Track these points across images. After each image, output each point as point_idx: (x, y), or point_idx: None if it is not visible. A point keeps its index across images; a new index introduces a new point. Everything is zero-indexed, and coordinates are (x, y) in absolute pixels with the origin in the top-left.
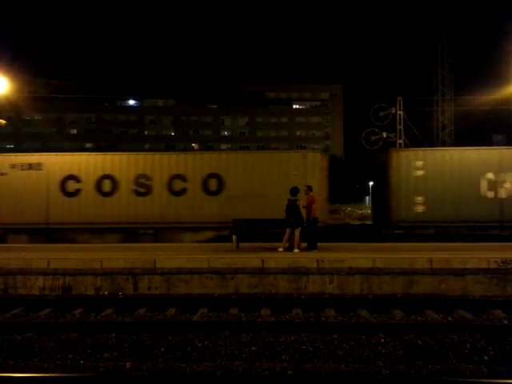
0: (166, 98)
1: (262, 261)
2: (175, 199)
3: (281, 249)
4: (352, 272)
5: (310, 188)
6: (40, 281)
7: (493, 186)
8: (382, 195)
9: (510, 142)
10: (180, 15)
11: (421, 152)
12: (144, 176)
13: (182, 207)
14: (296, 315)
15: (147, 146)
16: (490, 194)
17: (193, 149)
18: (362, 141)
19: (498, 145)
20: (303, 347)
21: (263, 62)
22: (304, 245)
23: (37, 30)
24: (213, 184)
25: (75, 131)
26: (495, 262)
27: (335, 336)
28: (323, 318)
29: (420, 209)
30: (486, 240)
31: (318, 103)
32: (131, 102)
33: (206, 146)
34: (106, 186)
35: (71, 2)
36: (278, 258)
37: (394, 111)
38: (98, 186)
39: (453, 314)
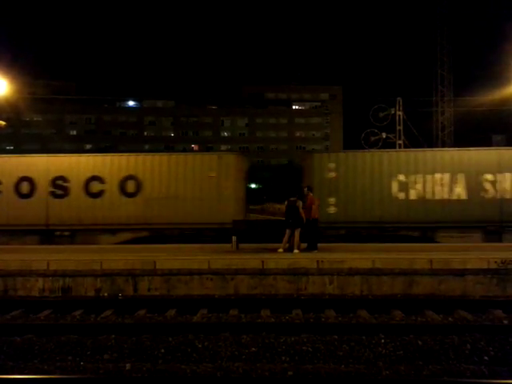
0: (166, 99)
1: (262, 262)
2: (93, 201)
3: (281, 249)
4: (352, 273)
5: (310, 189)
6: (40, 282)
7: (403, 187)
8: None
9: (509, 143)
10: (179, 16)
11: (334, 155)
12: (61, 178)
13: (99, 209)
14: (296, 316)
15: (147, 147)
16: (401, 196)
17: (192, 150)
18: (361, 141)
19: (498, 145)
20: (303, 348)
21: (263, 63)
22: (304, 245)
23: (37, 31)
24: (130, 186)
25: (75, 132)
26: (495, 262)
27: (335, 337)
28: (323, 319)
29: (332, 210)
30: (397, 241)
31: (318, 104)
32: (131, 103)
33: (206, 147)
34: (25, 187)
35: (71, 3)
36: (278, 258)
37: (393, 112)
38: (17, 188)
39: (453, 315)
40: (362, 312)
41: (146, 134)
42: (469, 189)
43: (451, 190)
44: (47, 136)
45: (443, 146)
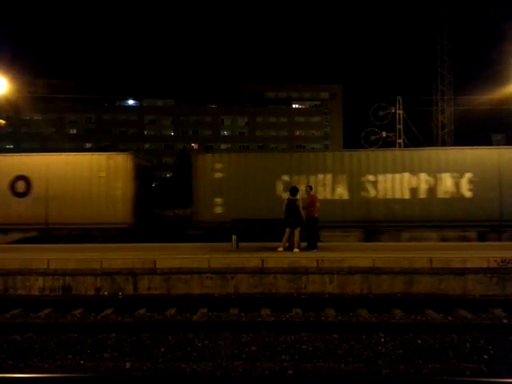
0: (166, 98)
1: (262, 260)
2: None
3: (280, 248)
4: (352, 271)
5: (310, 188)
6: (40, 281)
7: (288, 187)
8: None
9: (509, 141)
10: (179, 15)
11: (220, 155)
12: None
13: None
14: (296, 315)
15: (147, 146)
16: (286, 196)
17: (192, 149)
18: (361, 140)
19: (498, 144)
20: (303, 347)
21: (262, 62)
22: (304, 244)
23: (36, 30)
24: (21, 186)
25: (75, 131)
26: (495, 261)
27: (335, 335)
28: (323, 318)
29: (219, 210)
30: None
31: (318, 103)
32: (131, 102)
33: (206, 146)
34: None
35: (70, 2)
36: (278, 257)
37: (393, 111)
38: None
39: (453, 314)
40: (361, 311)
41: (146, 132)
42: (350, 189)
43: (333, 190)
44: (47, 135)
45: (443, 145)
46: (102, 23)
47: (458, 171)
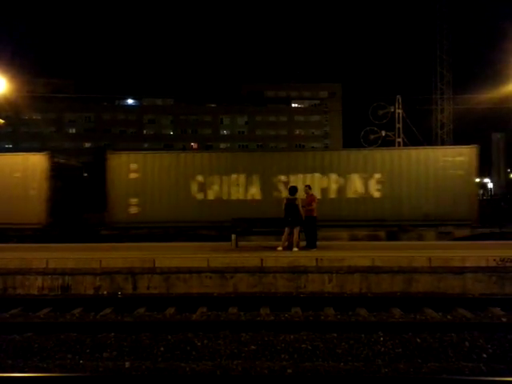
0: (165, 98)
1: (262, 260)
2: None
3: (280, 248)
4: (351, 271)
5: (309, 187)
6: (39, 280)
7: (202, 187)
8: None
9: (508, 140)
10: (178, 14)
11: (135, 155)
12: None
13: None
14: (295, 314)
15: (146, 146)
16: (200, 196)
17: (192, 148)
18: (361, 139)
19: (497, 143)
20: (302, 346)
21: (262, 61)
22: (303, 243)
23: (36, 29)
24: None
25: (74, 130)
26: (494, 260)
27: (334, 335)
28: (322, 317)
29: (134, 210)
30: (196, 240)
31: (317, 102)
32: (130, 102)
33: (205, 146)
34: None
35: (70, 1)
36: (277, 257)
37: (392, 110)
38: None
39: (452, 313)
40: (361, 310)
41: (145, 132)
42: (263, 189)
43: (247, 190)
44: (46, 134)
45: (442, 144)
46: (102, 22)
47: (367, 172)
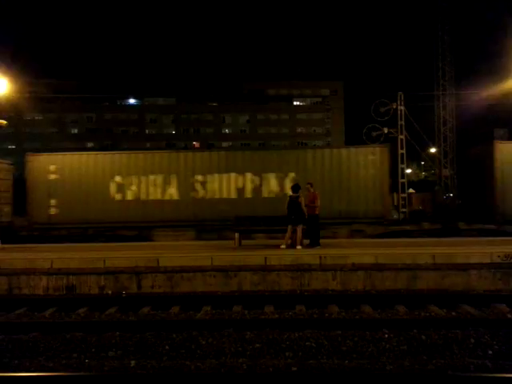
0: (167, 97)
1: (265, 258)
2: None
3: (283, 246)
4: (355, 268)
5: (311, 185)
6: (44, 280)
7: (121, 188)
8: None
9: (511, 137)
10: (180, 14)
11: (54, 156)
12: None
13: None
14: (299, 312)
15: (148, 145)
16: (119, 197)
17: (194, 147)
18: (363, 137)
19: (501, 139)
20: (307, 344)
21: (263, 59)
22: (307, 241)
23: (37, 29)
24: None
25: (76, 131)
26: (498, 256)
27: (339, 332)
28: (327, 315)
29: (54, 211)
30: (116, 240)
31: (319, 100)
32: (131, 101)
33: (207, 144)
34: None
35: (71, 1)
36: (281, 255)
37: (394, 107)
38: None
39: (456, 309)
40: (365, 307)
41: (147, 131)
42: (180, 189)
43: (164, 190)
44: (48, 135)
45: (445, 141)
46: (103, 22)
47: (282, 171)
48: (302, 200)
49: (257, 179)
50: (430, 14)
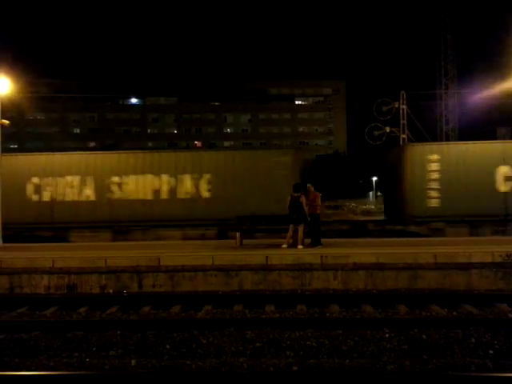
0: (169, 96)
1: (266, 257)
2: None
3: (284, 245)
4: (356, 267)
5: (312, 185)
6: (45, 280)
7: (38, 189)
8: None
9: None
10: (181, 13)
11: None
12: None
13: None
14: (300, 311)
15: (150, 144)
16: (36, 198)
17: (195, 146)
18: (365, 136)
19: (503, 138)
20: (308, 343)
21: (265, 59)
22: (308, 241)
23: (39, 29)
24: None
25: (78, 130)
26: (500, 255)
27: (340, 331)
28: (328, 314)
29: None
30: (34, 241)
31: (321, 99)
32: (133, 101)
33: (209, 144)
34: None
35: (73, 1)
36: (282, 254)
37: (397, 106)
38: None
39: (457, 309)
40: (366, 307)
41: (149, 131)
42: (97, 191)
43: (81, 191)
44: (51, 134)
45: (447, 140)
46: (105, 22)
47: (197, 172)
48: (304, 199)
49: (172, 180)
50: (432, 12)
